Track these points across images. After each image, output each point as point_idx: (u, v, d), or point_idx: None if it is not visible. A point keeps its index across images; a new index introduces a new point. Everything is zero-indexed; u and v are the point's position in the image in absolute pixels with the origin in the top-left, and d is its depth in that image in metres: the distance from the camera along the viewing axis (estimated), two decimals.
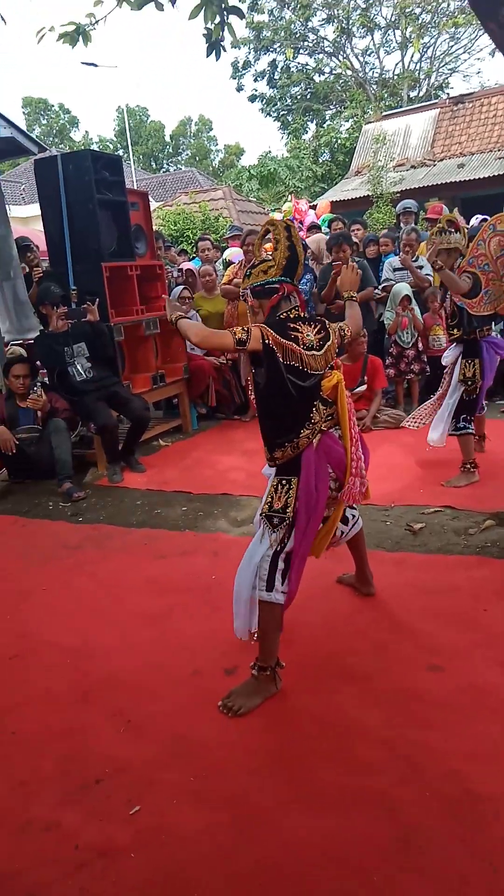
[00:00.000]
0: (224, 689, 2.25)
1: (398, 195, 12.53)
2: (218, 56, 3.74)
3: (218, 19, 3.57)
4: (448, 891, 1.51)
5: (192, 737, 2.06)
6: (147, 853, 1.67)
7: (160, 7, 3.51)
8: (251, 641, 2.30)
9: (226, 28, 3.62)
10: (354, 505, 2.49)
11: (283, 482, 2.19)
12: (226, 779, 1.88)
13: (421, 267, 6.00)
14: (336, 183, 18.04)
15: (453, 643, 2.40)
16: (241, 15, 3.64)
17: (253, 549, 2.22)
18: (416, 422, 4.44)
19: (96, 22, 3.70)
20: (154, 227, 6.61)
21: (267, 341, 2.06)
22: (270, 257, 2.18)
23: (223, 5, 3.52)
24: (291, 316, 2.15)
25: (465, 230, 3.98)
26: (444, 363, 4.20)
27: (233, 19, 3.61)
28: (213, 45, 3.67)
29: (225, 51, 3.76)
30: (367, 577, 2.77)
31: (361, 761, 1.90)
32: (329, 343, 2.18)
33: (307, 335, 2.13)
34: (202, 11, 3.51)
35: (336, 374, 2.28)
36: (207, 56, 3.72)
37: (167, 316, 2.27)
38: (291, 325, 2.12)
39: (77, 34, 3.70)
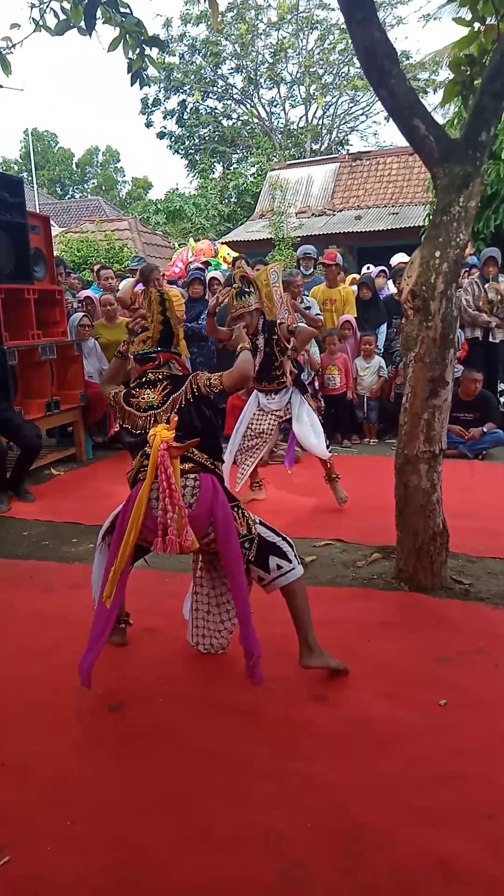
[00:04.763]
0: (108, 727, 2.18)
1: (299, 240, 13.08)
2: (142, 85, 3.80)
3: (138, 50, 3.62)
4: None
5: (74, 779, 1.96)
6: None
7: (83, 32, 3.49)
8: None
9: (146, 59, 3.68)
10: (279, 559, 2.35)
11: None
12: (108, 822, 1.80)
13: (308, 307, 6.28)
14: (241, 223, 18.56)
15: (339, 674, 2.45)
16: (161, 46, 3.71)
17: None
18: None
19: (13, 46, 3.63)
20: (56, 253, 6.50)
21: (113, 406, 2.52)
22: (148, 329, 2.51)
23: (141, 37, 3.57)
24: (143, 381, 2.45)
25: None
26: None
27: (153, 52, 3.68)
28: (136, 74, 3.72)
29: (149, 78, 3.82)
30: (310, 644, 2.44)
31: (249, 797, 1.89)
32: (173, 396, 2.37)
33: (143, 398, 2.40)
34: (121, 43, 3.56)
35: (157, 430, 2.25)
36: (132, 85, 3.77)
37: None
38: (135, 392, 2.44)
39: None
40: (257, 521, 2.40)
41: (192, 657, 2.59)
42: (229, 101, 26.54)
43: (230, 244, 12.74)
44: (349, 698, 2.31)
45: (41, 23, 3.50)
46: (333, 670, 2.42)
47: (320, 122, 26.18)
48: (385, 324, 6.88)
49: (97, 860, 1.68)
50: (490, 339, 6.51)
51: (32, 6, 3.47)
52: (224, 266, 9.20)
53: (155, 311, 2.49)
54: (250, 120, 26.57)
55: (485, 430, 5.70)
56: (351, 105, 25.66)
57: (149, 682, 2.44)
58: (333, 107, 25.78)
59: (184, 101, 25.88)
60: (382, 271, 7.84)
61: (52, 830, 1.77)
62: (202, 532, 2.27)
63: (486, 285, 6.44)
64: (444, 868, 1.63)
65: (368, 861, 1.67)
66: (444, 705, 2.25)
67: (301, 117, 26.33)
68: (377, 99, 2.98)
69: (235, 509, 2.35)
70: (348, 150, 24.08)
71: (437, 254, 2.91)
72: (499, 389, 6.38)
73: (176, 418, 2.31)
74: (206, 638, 2.56)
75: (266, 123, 26.40)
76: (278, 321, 4.10)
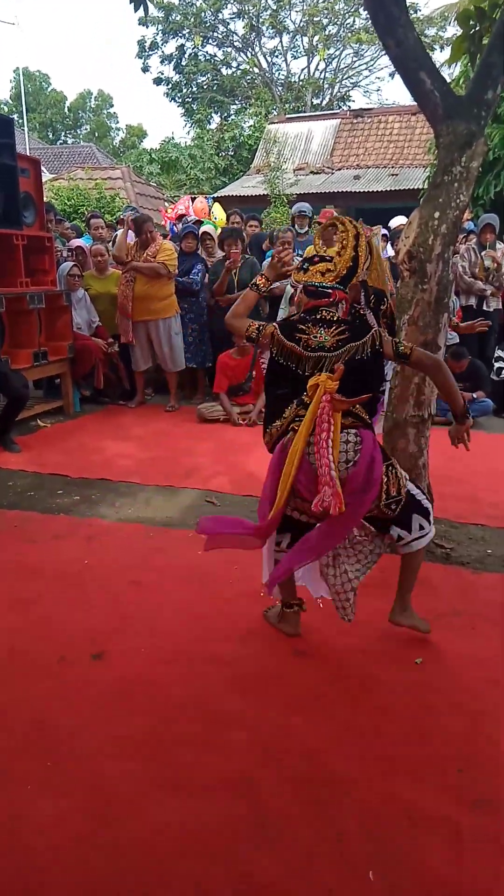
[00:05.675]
0: (91, 675, 2.21)
1: (295, 197, 12.82)
2: (146, 9, 3.67)
3: None
4: (296, 863, 1.56)
5: (52, 724, 1.99)
6: None
7: None
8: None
9: None
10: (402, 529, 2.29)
11: None
12: (84, 765, 1.84)
13: None
14: (237, 178, 18.13)
15: (319, 630, 2.49)
16: None
17: None
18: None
19: None
20: (45, 199, 6.32)
21: (266, 341, 2.29)
22: (331, 260, 2.27)
23: None
24: (316, 318, 2.23)
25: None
26: None
27: None
28: None
29: (153, 1, 3.70)
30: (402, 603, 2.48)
31: (225, 745, 1.93)
32: (351, 344, 2.17)
33: (315, 336, 2.20)
34: None
35: (321, 380, 2.13)
36: (136, 10, 3.63)
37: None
38: (301, 327, 2.23)
39: None
40: (407, 479, 2.30)
41: (175, 611, 2.61)
42: (230, 49, 25.66)
43: (225, 199, 12.47)
44: (328, 654, 2.36)
45: None
46: (421, 631, 2.45)
47: (322, 76, 25.42)
48: None
49: (74, 803, 1.71)
50: (484, 308, 6.46)
51: None
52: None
53: (349, 245, 2.24)
54: (250, 69, 25.72)
55: (474, 396, 5.70)
56: (354, 59, 24.91)
57: (132, 633, 2.47)
58: (336, 60, 25.02)
59: (182, 45, 24.98)
60: (383, 235, 7.69)
61: (30, 773, 1.80)
62: (359, 489, 2.13)
63: (483, 253, 6.36)
64: (410, 816, 1.69)
65: (337, 807, 1.73)
66: (420, 663, 2.30)
67: (303, 69, 25.59)
68: (382, 53, 2.89)
69: (390, 468, 2.22)
70: (350, 106, 23.43)
71: (437, 215, 2.86)
72: (495, 356, 6.34)
73: (342, 368, 2.12)
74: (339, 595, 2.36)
75: (266, 74, 25.59)
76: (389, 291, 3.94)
